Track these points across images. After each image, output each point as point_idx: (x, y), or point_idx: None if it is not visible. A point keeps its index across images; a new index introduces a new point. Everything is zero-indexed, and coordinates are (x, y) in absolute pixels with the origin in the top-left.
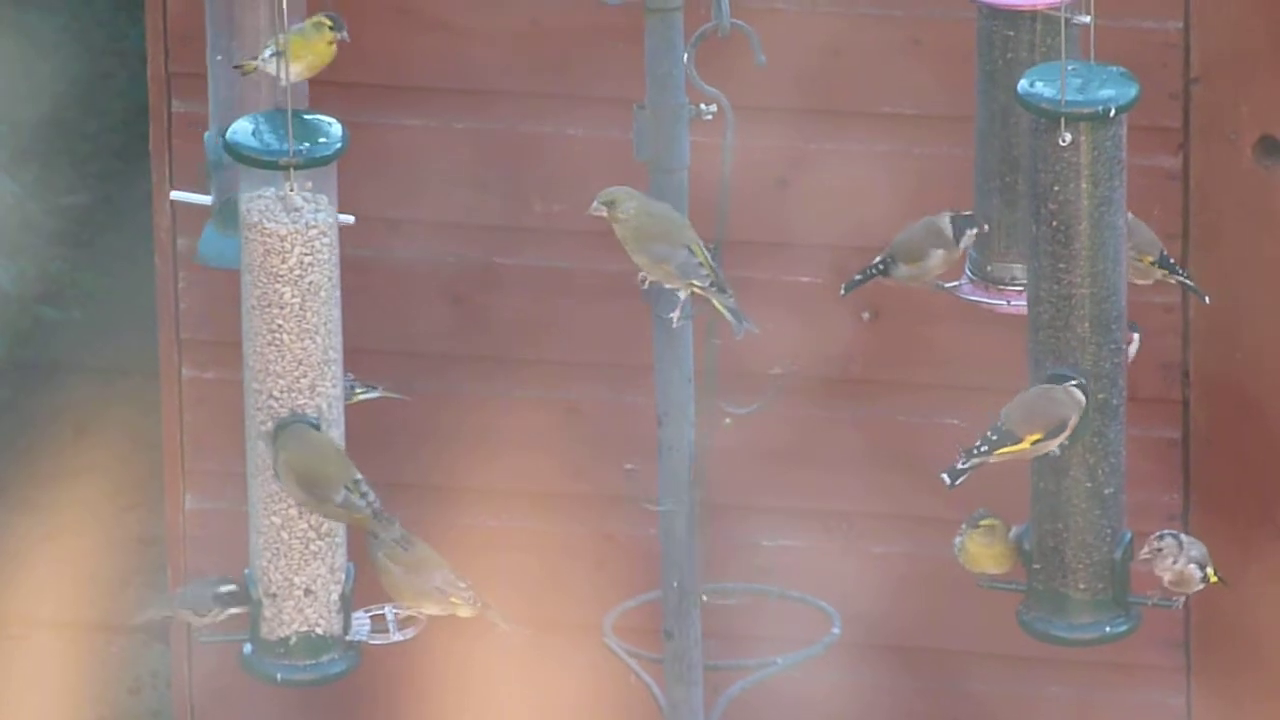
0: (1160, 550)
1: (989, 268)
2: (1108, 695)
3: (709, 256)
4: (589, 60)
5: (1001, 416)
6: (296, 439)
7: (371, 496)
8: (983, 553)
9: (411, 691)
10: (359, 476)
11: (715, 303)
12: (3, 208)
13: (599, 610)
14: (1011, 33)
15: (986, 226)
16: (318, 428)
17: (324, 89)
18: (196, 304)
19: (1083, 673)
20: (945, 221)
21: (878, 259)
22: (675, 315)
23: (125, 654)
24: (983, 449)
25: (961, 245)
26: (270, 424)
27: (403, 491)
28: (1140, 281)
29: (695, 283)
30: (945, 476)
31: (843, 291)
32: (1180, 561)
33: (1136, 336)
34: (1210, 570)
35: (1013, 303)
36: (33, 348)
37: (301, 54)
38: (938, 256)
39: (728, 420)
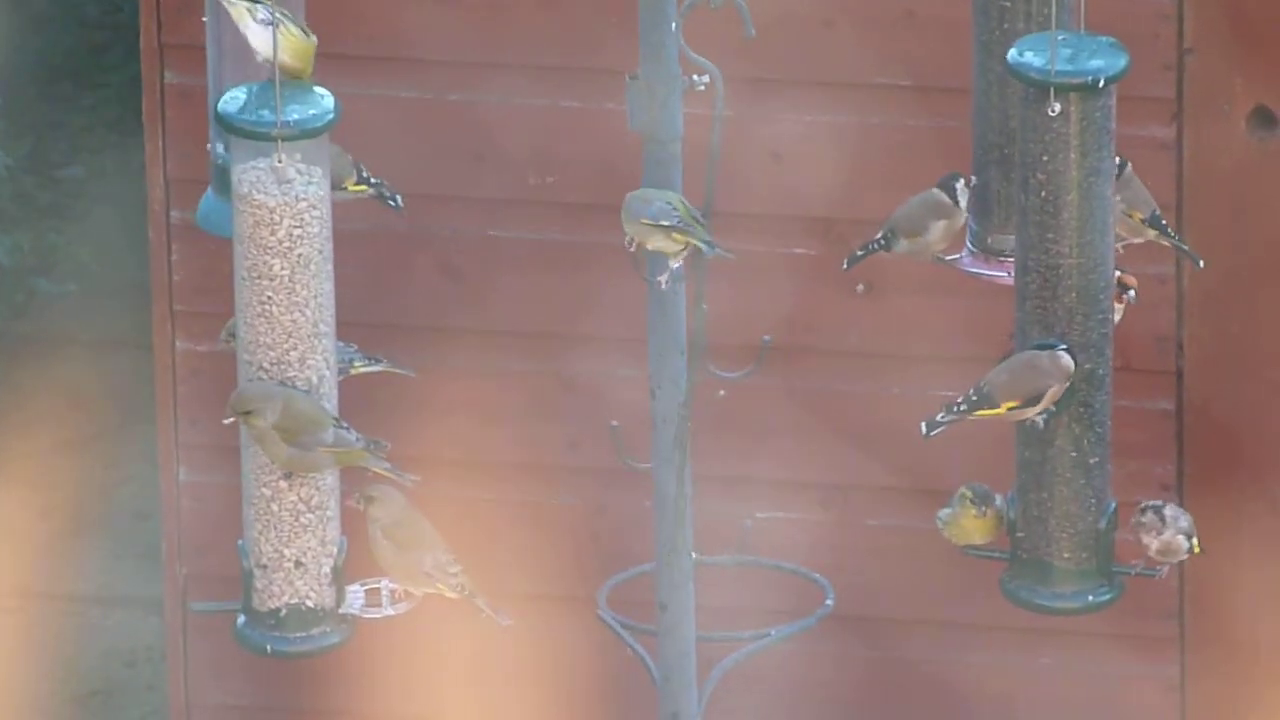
0: (1143, 524)
1: (989, 240)
2: (1101, 666)
3: (689, 208)
4: (583, 32)
5: (986, 378)
6: (271, 394)
7: (357, 433)
8: (972, 526)
9: (405, 664)
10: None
11: (687, 238)
12: None
13: (593, 582)
14: (1008, 3)
15: (974, 179)
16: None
17: (319, 61)
18: (190, 276)
19: (1076, 643)
20: (936, 193)
21: (879, 234)
22: (664, 279)
23: (120, 627)
24: (962, 407)
25: (960, 203)
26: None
27: (397, 464)
28: (1131, 238)
29: (664, 222)
30: (923, 426)
31: (844, 266)
32: (1167, 533)
33: (1132, 292)
34: (1195, 541)
35: (1014, 274)
36: (27, 320)
37: (295, 53)
38: (938, 229)
39: (721, 392)
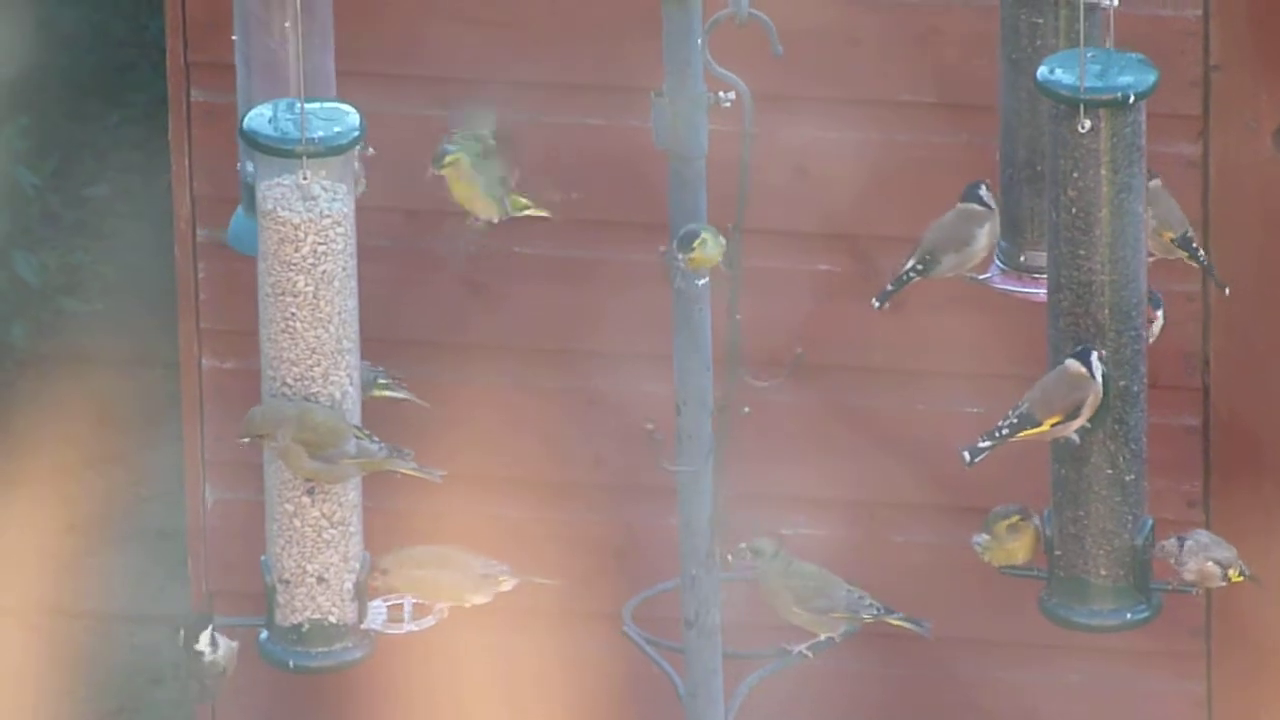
0: (1164, 548)
1: (1021, 257)
2: (1129, 682)
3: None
4: (608, 49)
5: (1023, 400)
6: (282, 418)
7: (379, 441)
8: (1015, 546)
9: (429, 680)
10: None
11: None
12: (24, 199)
13: (618, 599)
14: (1040, 20)
15: (987, 181)
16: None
17: (343, 79)
18: (216, 294)
19: (1104, 660)
20: (967, 205)
21: (912, 261)
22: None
23: (147, 645)
24: (1004, 431)
25: (992, 206)
26: (246, 428)
27: (421, 481)
28: (1161, 255)
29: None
30: (965, 454)
31: (876, 305)
32: (1194, 561)
33: (1160, 313)
34: (1233, 572)
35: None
36: (54, 339)
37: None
38: (983, 234)
39: (745, 408)
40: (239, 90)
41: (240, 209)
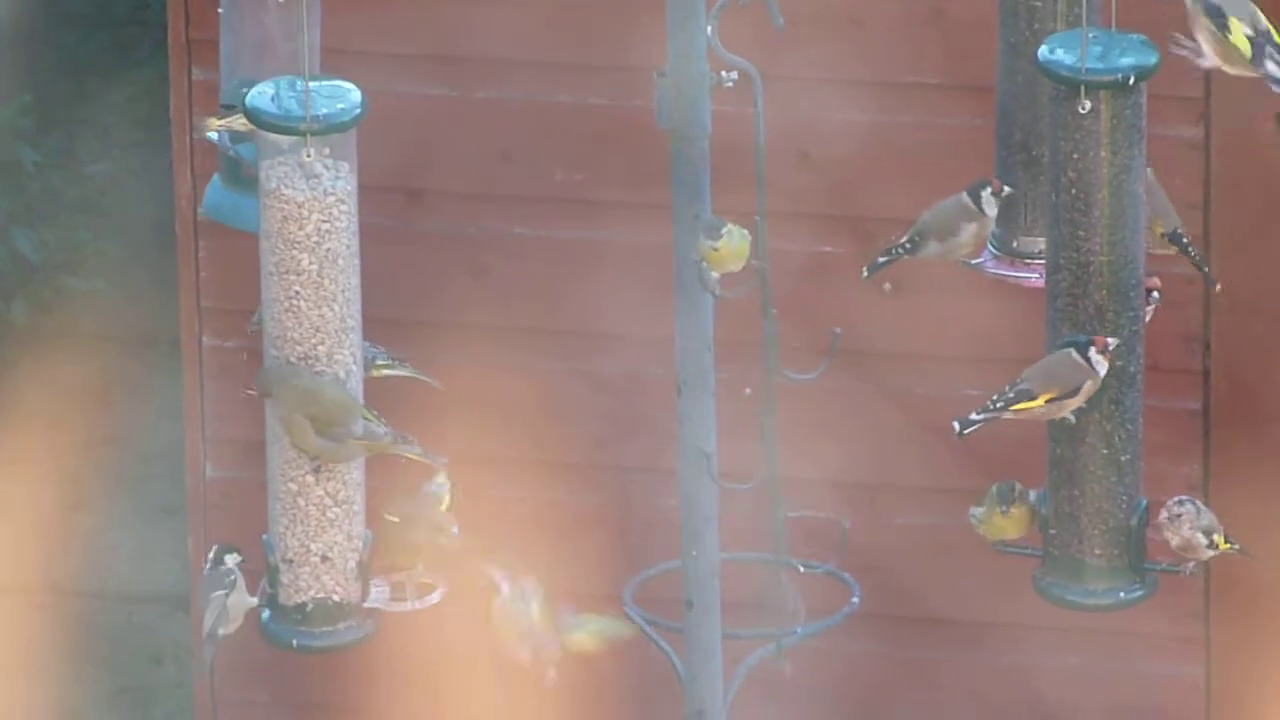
0: (1179, 516)
1: (1015, 242)
2: (1127, 665)
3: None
4: (611, 29)
5: (1022, 376)
6: (293, 387)
7: (385, 425)
8: (1003, 523)
9: (430, 661)
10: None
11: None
12: (26, 177)
13: (619, 580)
14: (1039, 3)
15: (1006, 188)
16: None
17: (345, 57)
18: (218, 273)
19: (1102, 642)
20: (966, 198)
21: (903, 239)
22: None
23: (148, 624)
24: (998, 404)
25: (986, 211)
26: (258, 380)
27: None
28: (1152, 248)
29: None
30: (955, 424)
31: (865, 275)
32: (1185, 529)
33: (1156, 294)
34: (1218, 537)
35: (1042, 276)
36: (55, 316)
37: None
38: (969, 231)
39: (747, 390)
40: (222, 60)
41: (216, 178)
